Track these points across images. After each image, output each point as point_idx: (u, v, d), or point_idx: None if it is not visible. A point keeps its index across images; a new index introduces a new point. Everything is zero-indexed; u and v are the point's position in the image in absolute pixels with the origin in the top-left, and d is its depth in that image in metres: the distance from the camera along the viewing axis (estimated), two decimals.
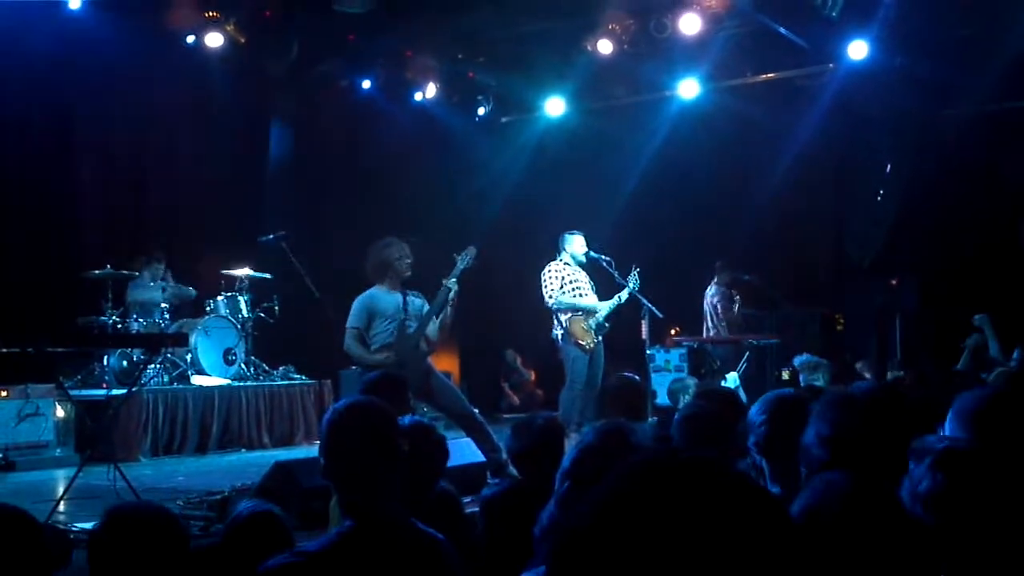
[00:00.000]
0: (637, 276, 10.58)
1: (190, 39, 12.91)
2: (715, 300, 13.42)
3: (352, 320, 8.59)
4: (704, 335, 13.46)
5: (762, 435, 3.90)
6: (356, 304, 8.65)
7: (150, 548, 3.31)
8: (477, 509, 6.78)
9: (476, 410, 8.99)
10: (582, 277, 10.71)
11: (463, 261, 8.77)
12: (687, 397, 8.41)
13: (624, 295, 10.56)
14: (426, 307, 8.73)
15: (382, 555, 3.21)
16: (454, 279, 8.68)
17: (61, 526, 6.46)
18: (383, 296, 8.64)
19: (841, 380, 10.04)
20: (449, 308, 8.71)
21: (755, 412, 4.00)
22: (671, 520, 1.28)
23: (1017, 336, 10.19)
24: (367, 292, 8.71)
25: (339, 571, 3.17)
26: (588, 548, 1.30)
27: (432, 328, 8.70)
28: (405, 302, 8.66)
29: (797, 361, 10.07)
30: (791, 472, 3.59)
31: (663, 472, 1.34)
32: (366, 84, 14.91)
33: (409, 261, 8.74)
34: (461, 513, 4.87)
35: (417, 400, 8.97)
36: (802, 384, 9.51)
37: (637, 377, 7.70)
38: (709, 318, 13.47)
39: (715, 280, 13.52)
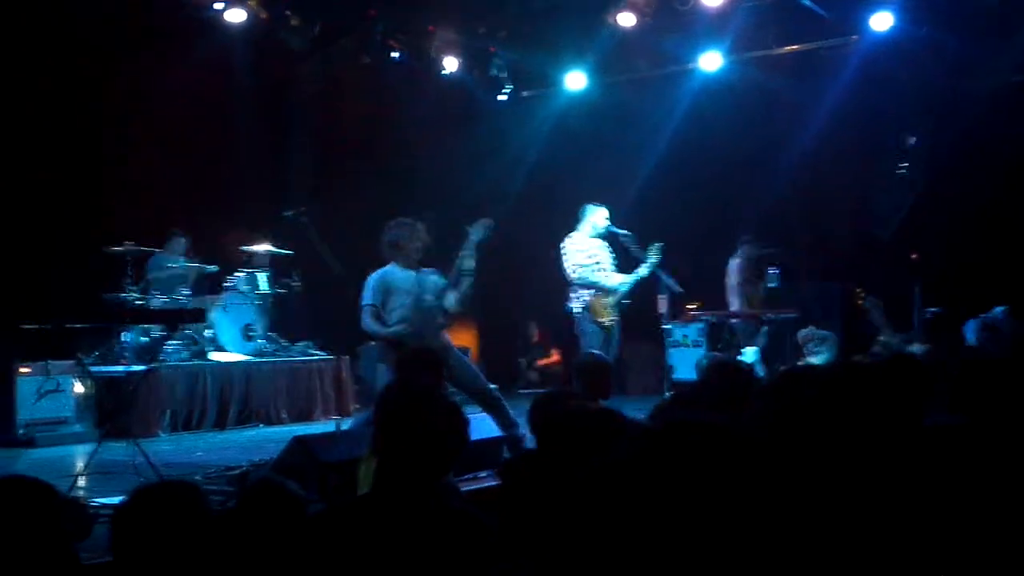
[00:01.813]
0: (658, 250, 10.49)
1: (213, 12, 12.86)
2: (737, 275, 13.35)
3: (367, 297, 8.50)
4: (728, 309, 13.39)
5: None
6: (370, 281, 8.56)
7: (175, 524, 3.32)
8: (490, 483, 6.87)
9: (494, 386, 8.97)
10: (603, 252, 10.66)
11: (476, 233, 8.62)
12: None
13: (643, 271, 10.48)
14: (442, 282, 8.63)
15: (413, 522, 3.27)
16: (469, 251, 8.59)
17: (82, 501, 6.47)
18: (397, 272, 8.56)
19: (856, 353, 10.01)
20: (466, 279, 8.61)
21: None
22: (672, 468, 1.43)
23: None
24: (381, 269, 8.62)
25: (367, 531, 3.23)
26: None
27: (450, 300, 8.60)
28: (419, 280, 8.56)
29: (801, 334, 9.98)
30: None
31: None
32: (388, 58, 14.84)
33: (419, 245, 8.63)
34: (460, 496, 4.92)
35: None
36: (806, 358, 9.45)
37: (605, 355, 8.12)
38: (731, 292, 13.39)
39: (738, 254, 13.43)
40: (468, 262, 8.56)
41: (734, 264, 13.39)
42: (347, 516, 3.35)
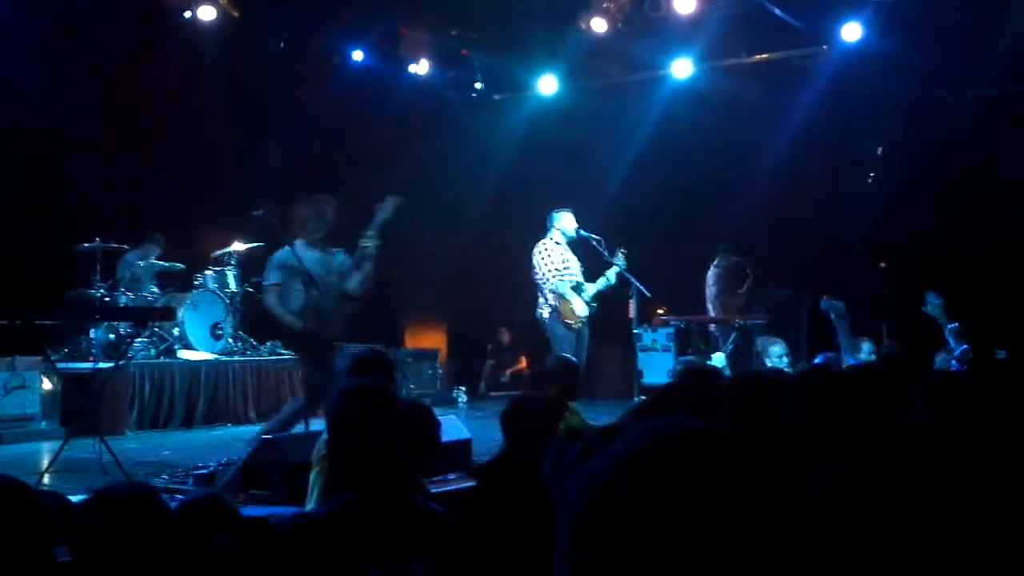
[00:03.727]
0: (623, 256, 10.58)
1: (185, 13, 12.83)
2: (712, 282, 13.43)
3: (269, 278, 8.55)
4: (707, 315, 13.47)
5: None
6: (272, 261, 8.59)
7: (132, 529, 3.30)
8: (460, 485, 6.88)
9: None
10: (573, 259, 10.68)
11: (384, 212, 8.50)
12: None
13: (612, 275, 10.55)
14: (347, 264, 8.56)
15: (382, 525, 3.27)
16: (372, 232, 8.48)
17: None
18: (302, 252, 8.43)
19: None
20: (368, 262, 8.53)
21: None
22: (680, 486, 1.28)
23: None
24: (284, 249, 8.55)
25: (339, 537, 3.22)
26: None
27: (352, 283, 8.53)
28: (323, 259, 8.49)
29: (758, 341, 10.10)
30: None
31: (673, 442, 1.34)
32: (358, 57, 14.83)
33: (317, 223, 8.53)
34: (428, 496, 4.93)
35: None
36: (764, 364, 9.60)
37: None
38: (708, 300, 13.49)
39: (715, 262, 13.51)
40: (371, 244, 8.47)
41: (711, 273, 13.47)
42: (315, 531, 3.32)
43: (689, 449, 1.31)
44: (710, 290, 13.45)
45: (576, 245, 10.77)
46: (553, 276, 10.46)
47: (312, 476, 5.32)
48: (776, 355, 9.73)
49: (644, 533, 1.24)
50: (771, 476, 1.32)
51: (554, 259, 10.55)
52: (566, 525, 1.32)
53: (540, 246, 10.67)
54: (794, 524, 1.30)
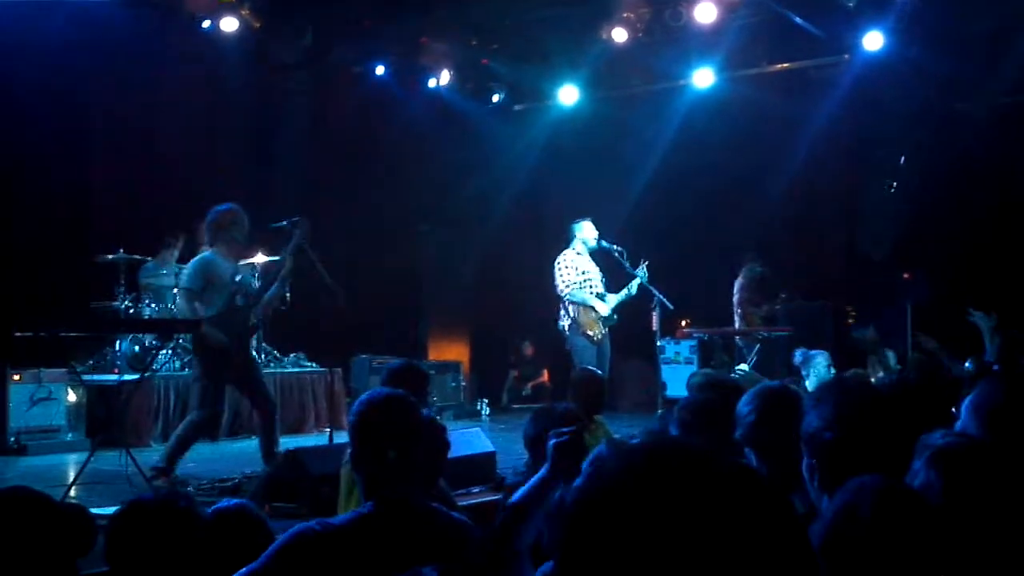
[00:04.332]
0: (645, 269, 10.59)
1: (205, 23, 12.90)
2: (736, 290, 13.42)
3: (187, 282, 8.42)
4: (730, 327, 13.44)
5: (749, 427, 3.95)
6: (193, 266, 8.50)
7: (170, 536, 3.33)
8: (482, 500, 6.90)
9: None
10: (594, 270, 10.71)
11: (297, 237, 8.61)
12: None
13: (634, 286, 10.56)
14: (255, 284, 8.65)
15: (405, 535, 3.30)
16: (288, 253, 8.57)
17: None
18: (220, 262, 8.42)
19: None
20: (280, 283, 8.62)
21: (742, 404, 4.04)
22: (667, 508, 1.29)
23: None
24: (205, 255, 8.52)
25: (363, 546, 3.24)
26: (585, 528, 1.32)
27: (261, 301, 8.62)
28: (235, 274, 8.48)
29: (796, 355, 10.02)
30: (780, 463, 3.61)
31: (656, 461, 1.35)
32: (380, 70, 14.88)
33: (241, 235, 8.53)
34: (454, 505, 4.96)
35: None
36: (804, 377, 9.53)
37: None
38: (734, 310, 13.48)
39: (742, 272, 13.50)
40: (286, 265, 8.61)
41: (737, 282, 13.46)
42: (336, 540, 3.34)
43: (661, 467, 1.33)
44: (734, 298, 13.45)
45: (598, 256, 10.80)
46: (569, 287, 10.49)
47: (343, 487, 5.35)
48: (823, 365, 9.62)
49: (620, 548, 1.27)
50: (761, 495, 1.33)
51: (573, 270, 10.58)
52: (556, 538, 1.35)
53: (560, 257, 10.72)
54: (777, 540, 1.31)
